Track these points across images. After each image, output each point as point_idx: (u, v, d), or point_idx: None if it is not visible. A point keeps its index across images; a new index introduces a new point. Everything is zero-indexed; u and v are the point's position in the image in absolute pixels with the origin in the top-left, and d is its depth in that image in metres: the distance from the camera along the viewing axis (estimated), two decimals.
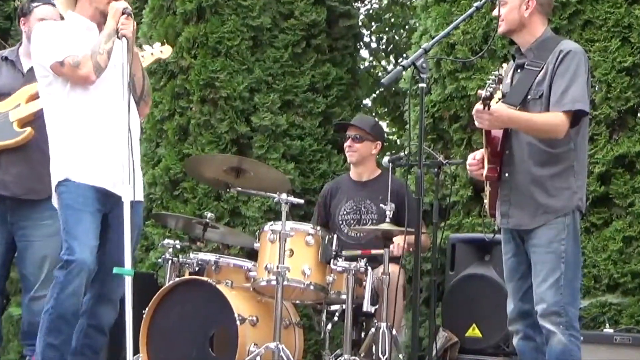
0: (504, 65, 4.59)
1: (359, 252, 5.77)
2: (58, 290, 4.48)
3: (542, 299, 4.25)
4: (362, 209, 6.24)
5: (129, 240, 4.27)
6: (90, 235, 4.53)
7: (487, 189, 4.51)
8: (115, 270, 4.25)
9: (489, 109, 4.12)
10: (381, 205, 5.78)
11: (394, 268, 5.58)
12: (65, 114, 4.65)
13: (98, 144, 4.63)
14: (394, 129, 12.82)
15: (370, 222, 6.16)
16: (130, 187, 4.32)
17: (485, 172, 4.42)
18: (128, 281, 4.21)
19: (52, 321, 4.50)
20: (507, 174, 4.38)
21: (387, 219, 5.64)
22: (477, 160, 4.54)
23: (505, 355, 5.88)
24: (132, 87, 4.62)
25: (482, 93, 4.10)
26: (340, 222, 6.27)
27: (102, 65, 4.60)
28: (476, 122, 4.28)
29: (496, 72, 4.16)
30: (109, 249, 4.66)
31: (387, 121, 12.75)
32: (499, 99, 4.16)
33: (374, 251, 5.74)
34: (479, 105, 4.18)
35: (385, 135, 12.58)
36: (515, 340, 4.52)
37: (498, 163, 4.39)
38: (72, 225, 4.52)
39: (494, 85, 4.08)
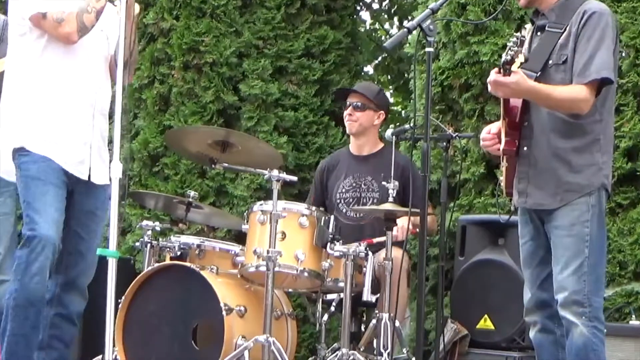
0: (527, 26, 4.53)
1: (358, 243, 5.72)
2: (22, 270, 4.46)
3: (563, 287, 4.21)
4: (363, 186, 6.21)
5: (115, 218, 4.25)
6: (55, 208, 4.51)
7: (504, 164, 4.47)
8: (99, 251, 4.24)
9: (509, 74, 4.07)
10: (384, 183, 5.74)
11: (397, 253, 5.54)
12: (33, 73, 4.62)
13: (66, 115, 4.60)
14: (398, 99, 12.79)
15: (371, 201, 6.14)
16: (118, 164, 4.29)
17: (502, 145, 4.37)
18: (112, 264, 4.18)
19: (17, 306, 4.48)
20: (525, 148, 4.34)
21: (390, 199, 5.60)
22: (492, 134, 4.49)
23: (521, 349, 5.87)
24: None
25: (502, 57, 4.05)
26: (338, 200, 6.25)
27: (88, 25, 4.58)
28: (490, 89, 4.23)
29: (518, 34, 4.11)
30: (75, 229, 4.65)
31: (391, 90, 12.71)
32: (521, 64, 4.10)
33: (376, 240, 5.71)
34: (494, 74, 4.13)
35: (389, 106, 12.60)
36: (531, 333, 4.50)
37: (516, 136, 4.34)
38: (35, 197, 4.49)
39: (515, 49, 4.04)
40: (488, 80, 4.20)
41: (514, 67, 4.07)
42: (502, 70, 4.09)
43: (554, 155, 4.29)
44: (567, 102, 4.23)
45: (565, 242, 4.24)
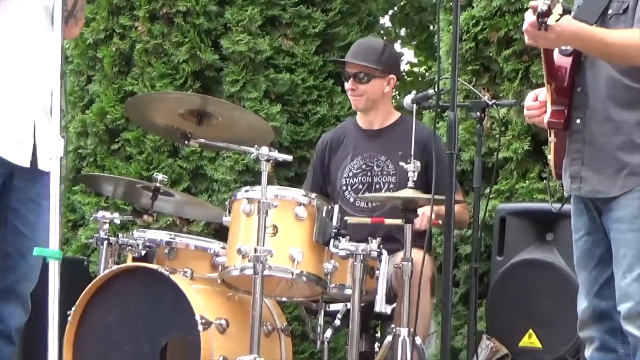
0: None
1: (368, 220, 5.77)
2: None
3: (627, 295, 4.22)
4: (375, 168, 6.22)
5: (56, 211, 4.24)
6: None
7: (552, 139, 4.47)
8: (36, 251, 4.22)
9: (545, 29, 4.07)
10: (402, 163, 5.74)
11: (416, 255, 5.52)
12: None
13: None
14: (420, 58, 12.81)
15: (385, 187, 6.15)
16: (60, 140, 4.28)
17: (547, 116, 4.38)
18: (54, 267, 4.16)
19: None
20: (578, 120, 4.34)
21: (410, 183, 5.60)
22: (539, 102, 4.49)
23: None
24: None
25: (538, 6, 4.04)
26: (344, 187, 6.26)
27: None
28: (526, 40, 4.22)
29: None
30: (13, 223, 4.66)
31: (412, 48, 12.74)
32: (560, 15, 4.10)
33: (388, 221, 5.71)
34: (529, 15, 4.12)
35: (408, 66, 12.62)
36: (587, 352, 4.51)
37: (566, 104, 4.34)
38: None
39: None
40: (524, 27, 4.19)
41: (551, 20, 4.06)
42: (538, 25, 4.07)
43: (614, 129, 4.27)
44: (628, 49, 4.20)
45: (627, 239, 4.24)
